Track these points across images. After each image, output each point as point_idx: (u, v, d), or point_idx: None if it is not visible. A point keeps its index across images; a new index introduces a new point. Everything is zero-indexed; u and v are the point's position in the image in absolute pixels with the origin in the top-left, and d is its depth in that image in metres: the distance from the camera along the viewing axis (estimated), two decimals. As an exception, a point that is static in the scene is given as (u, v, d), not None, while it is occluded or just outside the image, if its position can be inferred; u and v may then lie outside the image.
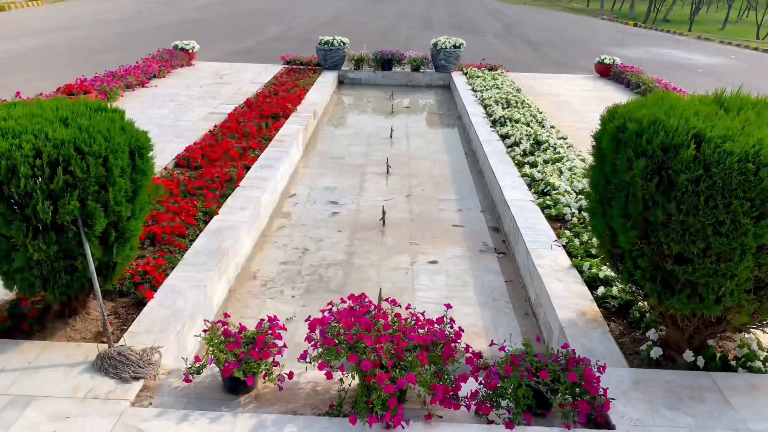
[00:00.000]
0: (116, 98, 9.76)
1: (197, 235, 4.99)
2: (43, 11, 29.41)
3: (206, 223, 5.25)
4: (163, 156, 7.11)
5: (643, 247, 3.27)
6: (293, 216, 6.38)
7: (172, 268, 4.40)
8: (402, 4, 44.29)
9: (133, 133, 3.62)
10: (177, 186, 5.99)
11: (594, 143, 3.78)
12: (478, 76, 12.57)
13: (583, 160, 7.23)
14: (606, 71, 14.13)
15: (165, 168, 6.67)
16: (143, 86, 10.89)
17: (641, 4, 62.82)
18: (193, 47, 13.49)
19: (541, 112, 9.70)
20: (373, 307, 3.17)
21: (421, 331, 3.05)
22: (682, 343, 3.62)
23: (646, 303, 3.82)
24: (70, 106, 3.53)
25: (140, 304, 3.96)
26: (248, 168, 6.66)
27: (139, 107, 9.44)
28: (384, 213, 6.23)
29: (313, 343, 3.06)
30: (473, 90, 11.53)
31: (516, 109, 9.71)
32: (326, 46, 13.05)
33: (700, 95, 3.80)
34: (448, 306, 3.32)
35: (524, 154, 7.67)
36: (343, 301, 3.24)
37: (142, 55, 13.24)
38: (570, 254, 4.91)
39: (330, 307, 3.21)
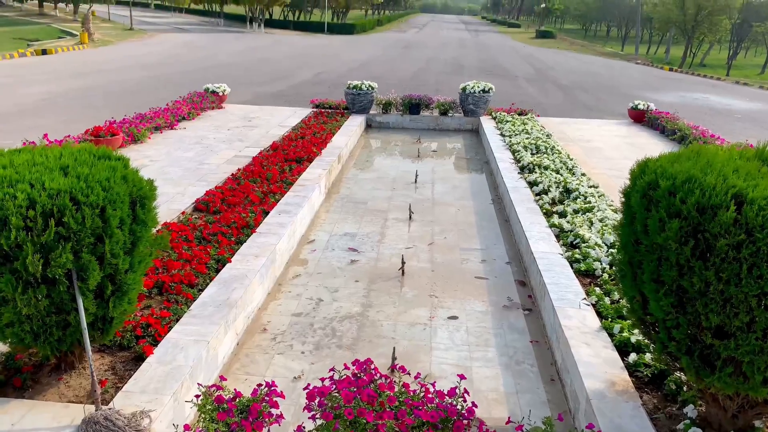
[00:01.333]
0: (144, 140, 9.85)
1: (207, 285, 4.82)
2: (88, 54, 30.59)
3: (218, 271, 5.09)
4: (183, 200, 7.06)
5: (679, 317, 2.96)
6: (310, 263, 6.19)
7: (177, 321, 4.22)
8: (433, 49, 44.87)
9: (136, 182, 3.49)
10: (192, 231, 5.88)
11: (622, 199, 3.51)
12: (507, 121, 12.40)
13: (615, 211, 6.90)
14: (640, 117, 13.81)
15: (183, 212, 6.58)
16: (172, 128, 11.00)
17: (677, 49, 62.46)
18: (224, 90, 13.69)
19: (571, 159, 9.42)
20: (378, 375, 2.91)
21: (430, 405, 2.77)
22: (724, 423, 3.25)
23: (682, 375, 3.47)
24: (74, 154, 3.43)
25: (140, 360, 3.77)
26: (267, 213, 6.53)
27: (165, 150, 9.50)
28: (403, 262, 5.99)
29: (311, 414, 2.81)
30: (502, 135, 11.34)
31: (545, 155, 9.46)
32: (354, 90, 13.09)
33: (740, 149, 3.51)
34: (462, 377, 3.04)
35: (553, 202, 7.39)
36: (346, 368, 2.99)
37: (176, 97, 13.48)
38: (600, 314, 4.57)
39: (332, 374, 2.96)
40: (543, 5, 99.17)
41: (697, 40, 55.08)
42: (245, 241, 5.72)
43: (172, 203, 6.92)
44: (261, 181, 7.70)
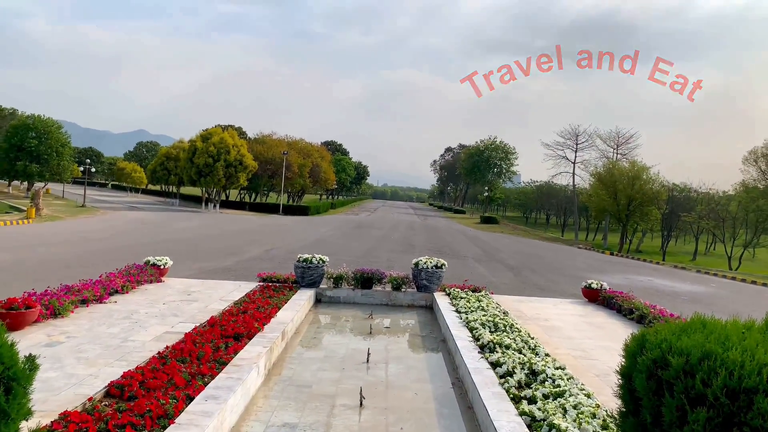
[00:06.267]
0: (65, 314, 8.84)
1: (99, 496, 3.73)
2: (31, 228, 29.80)
3: (117, 476, 4.01)
4: (94, 383, 6.02)
5: None
6: (239, 463, 5.10)
7: None
8: (385, 230, 46.11)
9: (5, 359, 2.68)
10: (96, 422, 4.82)
11: (621, 381, 2.89)
12: (461, 297, 11.98)
13: (588, 395, 6.20)
14: (594, 296, 13.68)
15: (90, 398, 5.51)
16: (101, 302, 10.04)
17: (613, 236, 66.33)
18: (166, 263, 12.99)
19: (532, 338, 8.86)
20: None
21: None
22: None
23: None
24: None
25: None
26: (192, 399, 5.54)
27: (87, 325, 8.48)
28: (353, 461, 4.99)
29: None
30: (457, 311, 10.82)
31: (505, 334, 8.88)
32: (305, 263, 12.62)
33: (744, 321, 3.03)
34: None
35: (519, 386, 6.64)
36: None
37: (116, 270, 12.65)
38: None
39: None
40: (486, 194, 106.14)
41: (631, 228, 58.87)
42: (159, 436, 4.69)
43: (79, 387, 5.87)
44: (191, 360, 6.75)
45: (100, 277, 11.25)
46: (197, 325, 8.66)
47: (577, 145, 70.31)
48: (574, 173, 71.58)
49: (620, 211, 53.75)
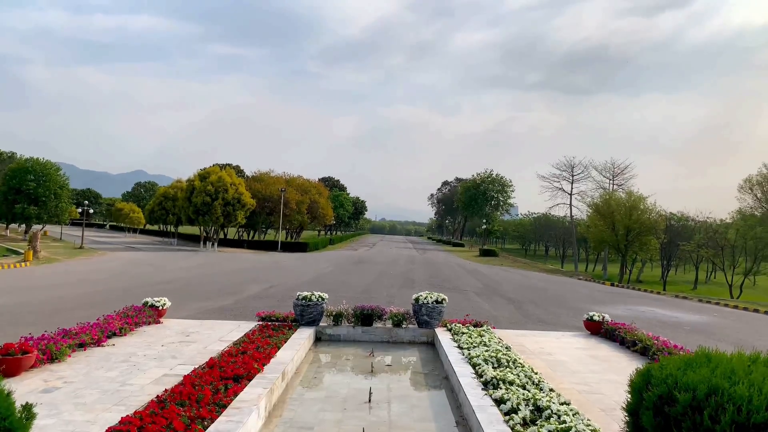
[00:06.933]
0: (62, 359, 8.74)
1: None
2: (29, 271, 29.67)
3: None
4: (92, 430, 5.95)
5: None
6: None
7: None
8: (384, 265, 45.97)
9: (2, 410, 2.63)
10: (93, 471, 4.71)
11: (628, 418, 2.85)
12: (463, 333, 11.87)
13: (594, 431, 6.09)
14: (596, 328, 13.56)
15: (87, 445, 5.41)
16: (99, 345, 9.94)
17: (613, 267, 66.19)
18: (164, 304, 12.89)
19: (536, 373, 8.75)
20: None
21: None
22: None
23: None
24: None
25: None
26: (191, 444, 5.43)
27: (84, 369, 8.37)
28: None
29: None
30: (459, 347, 10.71)
31: (509, 369, 8.78)
32: (304, 301, 12.54)
33: (749, 354, 3.00)
34: None
35: (525, 423, 6.53)
36: None
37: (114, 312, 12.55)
38: None
39: None
40: (484, 227, 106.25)
41: (631, 258, 58.78)
42: (158, 483, 4.58)
43: (76, 434, 5.76)
44: (190, 403, 6.64)
45: (97, 319, 11.15)
46: (196, 367, 8.55)
47: (573, 176, 70.81)
48: (571, 204, 71.90)
49: (619, 241, 53.77)
